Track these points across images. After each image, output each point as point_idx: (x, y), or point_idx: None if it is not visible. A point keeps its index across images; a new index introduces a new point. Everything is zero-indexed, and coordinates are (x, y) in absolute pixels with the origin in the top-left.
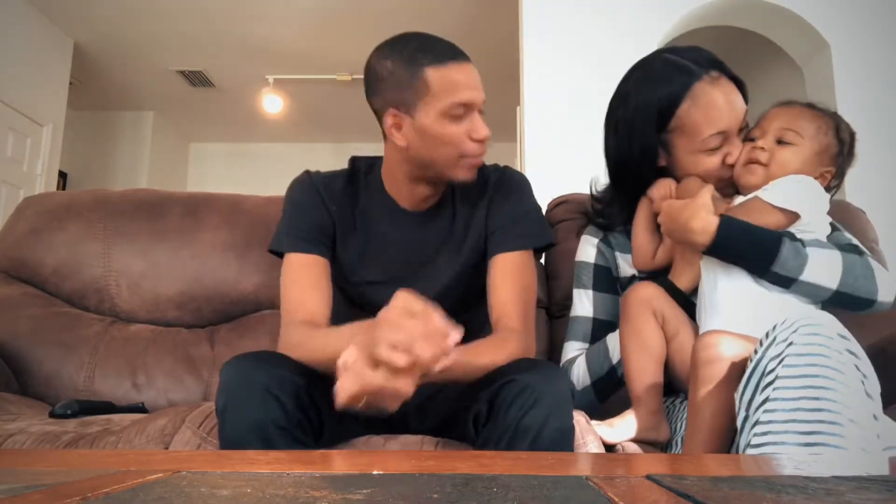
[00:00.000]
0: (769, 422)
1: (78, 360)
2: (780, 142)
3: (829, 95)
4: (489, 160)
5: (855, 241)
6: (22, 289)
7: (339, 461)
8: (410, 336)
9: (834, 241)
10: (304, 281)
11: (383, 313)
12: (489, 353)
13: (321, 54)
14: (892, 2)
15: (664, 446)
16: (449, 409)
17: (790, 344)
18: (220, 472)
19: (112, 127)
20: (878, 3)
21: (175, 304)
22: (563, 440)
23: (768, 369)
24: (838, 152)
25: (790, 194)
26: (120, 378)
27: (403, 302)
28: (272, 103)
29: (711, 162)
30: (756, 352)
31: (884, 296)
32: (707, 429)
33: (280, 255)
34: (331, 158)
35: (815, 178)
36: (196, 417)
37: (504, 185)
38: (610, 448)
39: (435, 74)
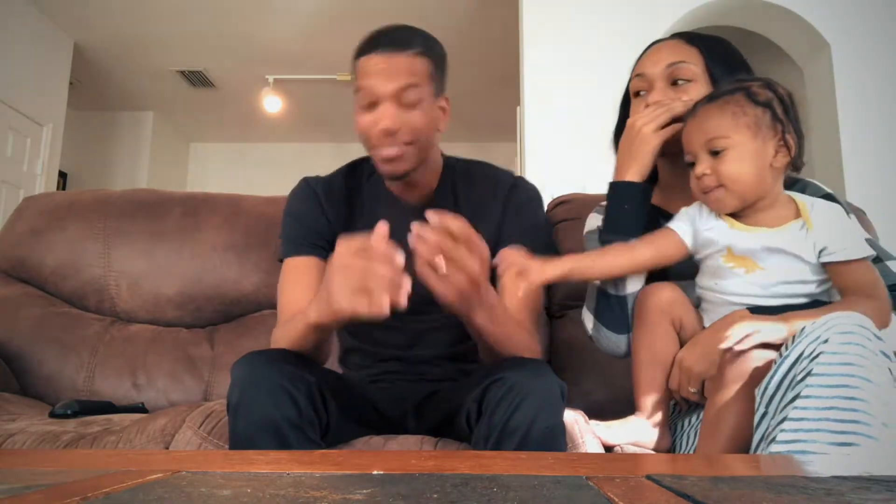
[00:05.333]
0: (801, 419)
1: (78, 360)
2: (714, 153)
3: (829, 95)
4: (490, 161)
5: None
6: (22, 289)
7: (339, 461)
8: (363, 276)
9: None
10: (296, 284)
11: (330, 261)
12: (520, 335)
13: (321, 54)
14: (892, 2)
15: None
16: (446, 409)
17: (825, 342)
18: (220, 472)
19: (112, 127)
20: (878, 3)
21: (175, 304)
22: (552, 438)
23: (800, 367)
24: (772, 115)
25: (853, 237)
26: (120, 378)
27: (344, 246)
28: (272, 103)
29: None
30: (786, 347)
31: None
32: (729, 432)
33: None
34: (331, 158)
35: (773, 155)
36: (196, 417)
37: (521, 194)
38: (608, 449)
39: (358, 65)
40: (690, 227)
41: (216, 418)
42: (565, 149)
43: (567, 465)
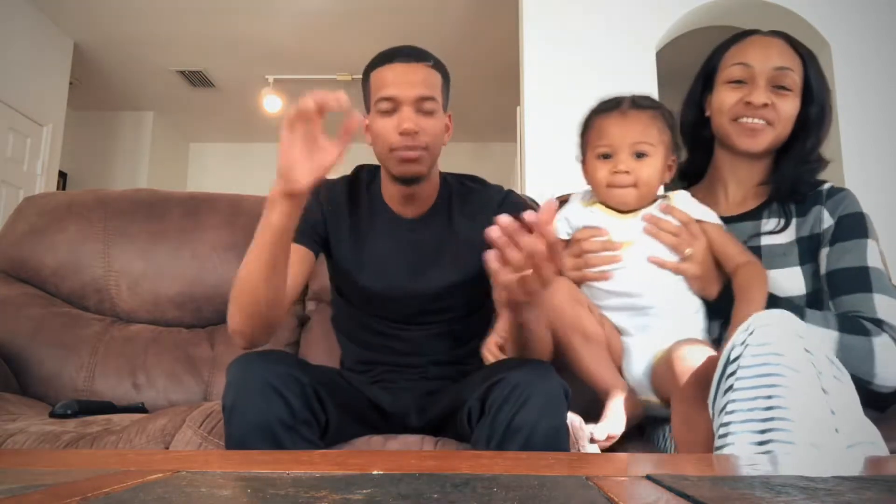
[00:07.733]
0: (729, 423)
1: (78, 360)
2: (638, 155)
3: None
4: (490, 161)
5: (880, 316)
6: (22, 289)
7: (339, 461)
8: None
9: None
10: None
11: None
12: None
13: (321, 54)
14: (892, 2)
15: (643, 423)
16: (448, 406)
17: (746, 346)
18: (220, 472)
19: (112, 127)
20: (878, 3)
21: (175, 304)
22: (556, 438)
23: (728, 372)
24: (672, 138)
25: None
26: (120, 378)
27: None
28: (272, 103)
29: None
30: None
31: (884, 380)
32: (697, 432)
33: None
34: None
35: (667, 171)
36: (196, 417)
37: (511, 208)
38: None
39: (374, 75)
40: (566, 224)
41: (216, 418)
42: (565, 149)
43: (567, 465)
